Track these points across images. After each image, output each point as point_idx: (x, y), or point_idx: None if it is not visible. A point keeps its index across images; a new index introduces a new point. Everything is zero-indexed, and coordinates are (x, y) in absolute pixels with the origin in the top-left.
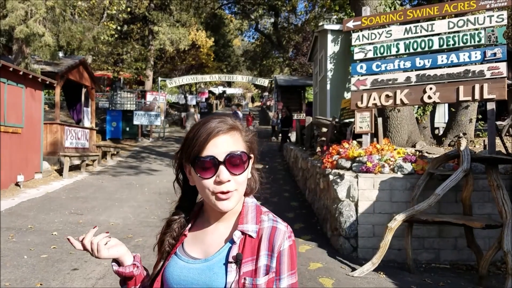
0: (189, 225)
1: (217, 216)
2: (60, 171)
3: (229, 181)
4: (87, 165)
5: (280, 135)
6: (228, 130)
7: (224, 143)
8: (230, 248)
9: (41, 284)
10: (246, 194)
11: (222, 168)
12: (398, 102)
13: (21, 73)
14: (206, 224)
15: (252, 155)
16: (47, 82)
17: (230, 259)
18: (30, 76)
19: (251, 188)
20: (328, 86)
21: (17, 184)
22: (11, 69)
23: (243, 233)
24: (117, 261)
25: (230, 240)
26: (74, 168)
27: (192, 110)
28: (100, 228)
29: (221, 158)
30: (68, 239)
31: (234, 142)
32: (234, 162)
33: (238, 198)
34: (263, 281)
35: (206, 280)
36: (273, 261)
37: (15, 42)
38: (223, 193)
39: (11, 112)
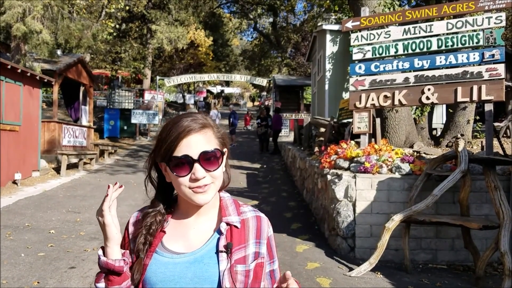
0: (167, 223)
1: (195, 210)
2: (57, 169)
3: (204, 177)
4: (85, 163)
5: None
6: (200, 129)
7: (197, 142)
8: (218, 239)
9: (38, 283)
10: (220, 189)
11: (196, 165)
12: (396, 102)
13: (19, 70)
14: (184, 219)
15: (225, 150)
16: (45, 80)
17: (221, 249)
18: (28, 74)
19: (223, 183)
20: (327, 86)
21: (14, 182)
22: (9, 66)
23: (228, 224)
24: (102, 248)
25: (218, 231)
26: (71, 166)
27: (192, 107)
28: (98, 227)
29: (195, 157)
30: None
31: (206, 139)
32: (208, 159)
33: (214, 190)
34: (253, 266)
35: (197, 272)
36: (262, 247)
37: (13, 39)
38: (199, 187)
39: (8, 109)
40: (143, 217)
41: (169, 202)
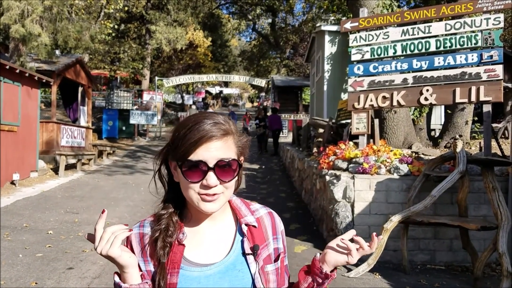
0: (184, 234)
1: (207, 215)
2: (56, 170)
3: (216, 186)
4: (83, 164)
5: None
6: (222, 136)
7: (216, 149)
8: (242, 241)
9: (36, 283)
10: None
11: (210, 173)
12: (394, 103)
13: (17, 71)
14: (199, 227)
15: (242, 159)
16: (44, 81)
17: (248, 251)
18: (27, 74)
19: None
20: (325, 87)
21: (12, 183)
22: (7, 67)
23: (246, 225)
24: (118, 274)
25: (239, 233)
26: (70, 167)
27: (194, 107)
28: None
29: (211, 164)
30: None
31: (226, 148)
32: (223, 169)
33: (224, 200)
34: (279, 263)
35: (232, 280)
36: (279, 243)
37: (11, 40)
38: (208, 195)
39: (7, 110)
40: (158, 220)
41: (179, 204)
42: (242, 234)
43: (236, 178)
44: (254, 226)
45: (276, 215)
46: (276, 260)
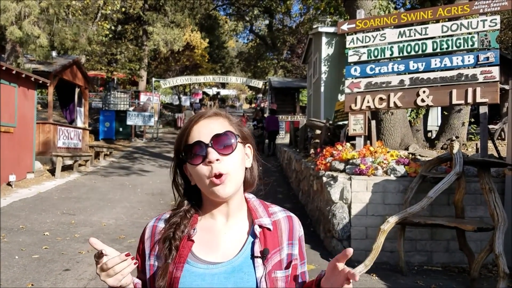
0: (195, 230)
1: (222, 211)
2: (52, 171)
3: (218, 160)
4: (80, 165)
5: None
6: (213, 115)
7: (207, 127)
8: (253, 243)
9: (32, 285)
10: (245, 190)
11: (209, 149)
12: (391, 105)
13: (14, 72)
14: (212, 225)
15: (248, 143)
16: (40, 82)
17: (257, 254)
18: (23, 75)
19: (248, 181)
20: (322, 88)
21: (8, 184)
22: (3, 68)
23: (260, 226)
24: None
25: (251, 234)
26: (66, 168)
27: (188, 111)
28: (93, 229)
29: (207, 141)
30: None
31: (218, 124)
32: (221, 142)
33: (233, 183)
34: (290, 270)
35: (237, 282)
36: (294, 249)
37: (8, 41)
38: (216, 177)
39: (3, 111)
40: (171, 216)
41: (196, 200)
42: (254, 236)
43: (242, 157)
44: (269, 229)
45: (297, 220)
46: (287, 267)
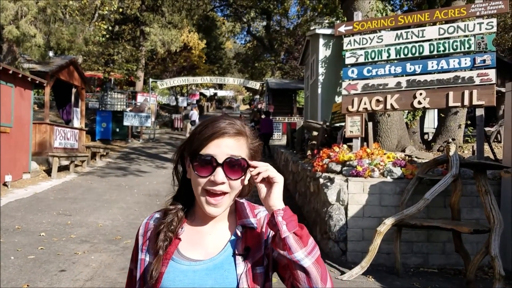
0: (182, 229)
1: (212, 217)
2: (48, 172)
3: (223, 183)
4: (76, 165)
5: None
6: (235, 134)
7: (227, 146)
8: (235, 242)
9: (28, 286)
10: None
11: (219, 169)
12: (388, 107)
13: (10, 72)
14: (200, 225)
15: (253, 158)
16: (37, 82)
17: (238, 252)
18: (20, 75)
19: (243, 192)
20: (319, 90)
21: (4, 184)
22: (0, 68)
23: (244, 226)
24: None
25: (234, 234)
26: (62, 168)
27: (189, 107)
28: (89, 230)
29: (220, 160)
30: None
31: (237, 146)
32: (232, 166)
33: (227, 203)
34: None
35: (217, 279)
36: None
37: (5, 41)
38: (215, 194)
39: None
40: (164, 214)
41: (188, 201)
42: (237, 235)
43: (244, 179)
44: (253, 228)
45: None
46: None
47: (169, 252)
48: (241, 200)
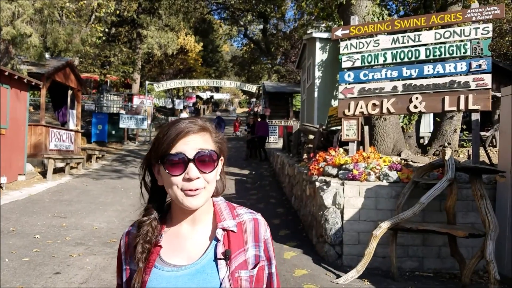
0: (161, 236)
1: (189, 217)
2: (44, 174)
3: (198, 178)
4: (72, 168)
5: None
6: (199, 131)
7: (193, 142)
8: (216, 246)
9: None
10: (212, 196)
11: (191, 165)
12: (384, 111)
13: (6, 73)
14: (179, 230)
15: (222, 157)
16: (33, 83)
17: (220, 256)
18: (16, 77)
19: (217, 191)
20: (316, 94)
21: None
22: None
23: (224, 229)
24: None
25: (214, 238)
26: (58, 170)
27: (184, 113)
28: (84, 232)
29: (190, 156)
30: None
31: (204, 141)
32: (203, 160)
33: (206, 196)
34: (256, 271)
35: (200, 283)
36: (260, 250)
37: (1, 42)
38: (191, 190)
39: None
40: (138, 227)
41: (162, 208)
42: (217, 239)
43: (219, 177)
44: (233, 231)
45: (262, 221)
46: (254, 267)
47: (151, 261)
48: (219, 200)
